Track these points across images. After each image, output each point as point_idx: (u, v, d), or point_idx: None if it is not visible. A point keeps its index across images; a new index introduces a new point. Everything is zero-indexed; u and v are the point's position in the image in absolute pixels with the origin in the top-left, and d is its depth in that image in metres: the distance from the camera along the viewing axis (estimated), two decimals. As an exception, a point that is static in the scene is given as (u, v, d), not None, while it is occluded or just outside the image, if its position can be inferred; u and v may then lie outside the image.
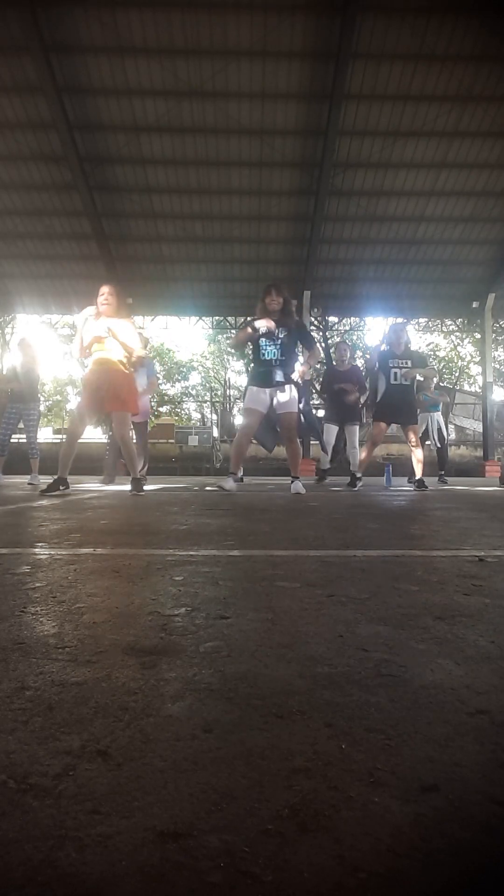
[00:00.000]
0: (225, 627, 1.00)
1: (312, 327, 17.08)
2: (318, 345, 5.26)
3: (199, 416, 28.63)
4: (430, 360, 25.86)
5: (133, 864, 0.42)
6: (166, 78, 10.35)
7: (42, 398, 9.62)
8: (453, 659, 0.86)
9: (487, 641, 0.94)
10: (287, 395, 4.84)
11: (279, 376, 4.81)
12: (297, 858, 0.43)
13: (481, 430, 16.44)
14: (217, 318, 15.84)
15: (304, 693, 0.73)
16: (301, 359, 5.19)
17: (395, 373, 5.81)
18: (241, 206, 12.64)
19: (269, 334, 4.78)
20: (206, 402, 25.38)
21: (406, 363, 5.82)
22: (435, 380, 9.75)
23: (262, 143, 11.35)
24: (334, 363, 7.24)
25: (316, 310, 15.60)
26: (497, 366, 23.61)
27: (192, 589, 1.30)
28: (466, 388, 27.40)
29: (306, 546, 1.98)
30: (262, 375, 4.87)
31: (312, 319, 16.18)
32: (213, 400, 21.30)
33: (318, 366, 7.12)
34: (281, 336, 4.82)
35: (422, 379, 7.93)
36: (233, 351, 22.55)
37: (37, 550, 1.86)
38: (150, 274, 14.25)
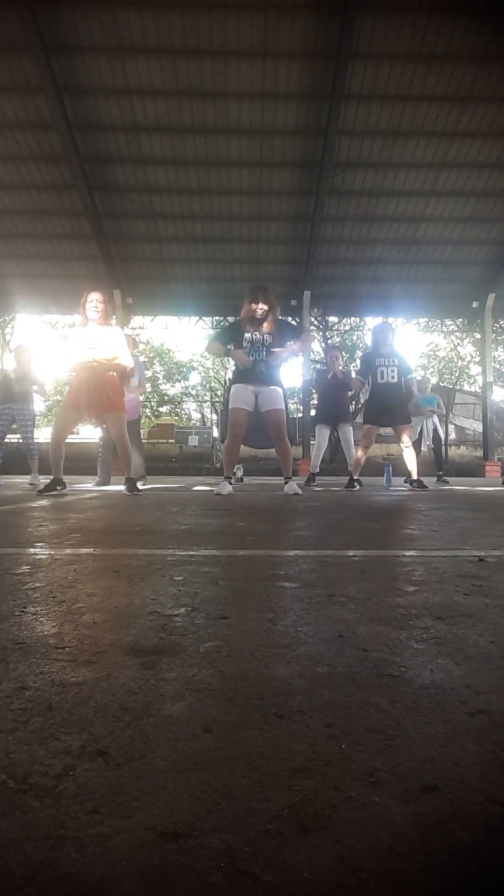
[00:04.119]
0: (225, 627, 1.00)
1: (312, 327, 17.07)
2: (306, 333, 5.03)
3: (199, 416, 28.61)
4: (431, 359, 25.86)
5: (133, 864, 0.42)
6: (166, 78, 10.35)
7: (42, 398, 9.69)
8: (453, 659, 0.86)
9: (487, 641, 0.94)
10: (271, 394, 4.71)
11: (264, 374, 4.68)
12: (297, 858, 0.43)
13: (481, 430, 16.44)
14: (217, 318, 15.85)
15: (304, 693, 0.73)
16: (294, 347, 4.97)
17: (382, 371, 5.76)
18: (241, 206, 12.64)
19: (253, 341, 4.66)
20: (206, 402, 25.37)
21: (392, 361, 5.79)
22: (433, 381, 9.76)
23: (262, 143, 11.35)
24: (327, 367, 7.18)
25: (316, 310, 15.60)
26: (497, 366, 23.60)
27: (192, 589, 1.30)
28: (466, 388, 27.38)
29: (306, 546, 1.98)
30: (246, 373, 4.70)
31: (312, 319, 16.18)
32: (213, 400, 21.28)
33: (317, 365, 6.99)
34: (266, 343, 4.67)
35: (418, 393, 7.94)
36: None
37: (37, 550, 1.86)
38: (150, 274, 14.25)
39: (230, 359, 5.01)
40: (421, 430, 7.97)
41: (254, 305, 4.67)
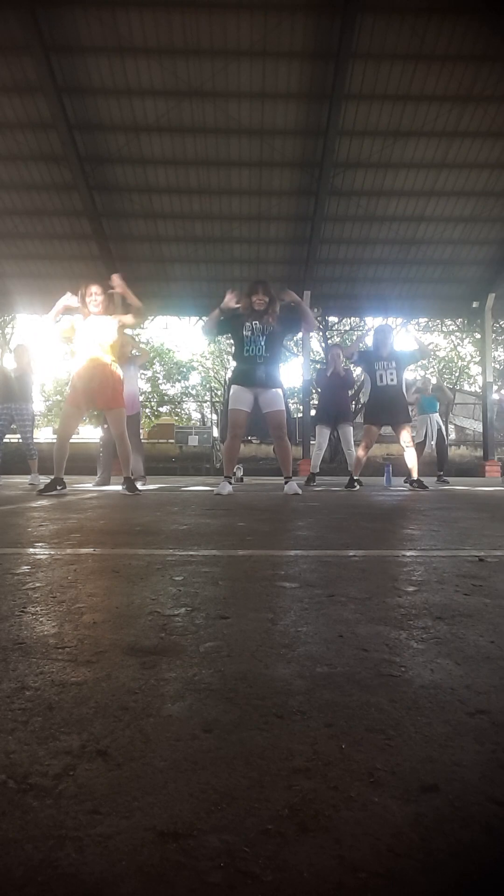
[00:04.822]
0: (225, 627, 1.00)
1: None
2: (309, 317, 5.12)
3: (199, 416, 28.62)
4: (431, 359, 25.81)
5: (133, 864, 0.42)
6: (166, 78, 10.35)
7: (42, 398, 9.70)
8: (453, 659, 0.86)
9: (487, 641, 0.94)
10: (272, 396, 4.72)
11: (263, 375, 4.68)
12: (297, 858, 0.43)
13: (481, 430, 16.44)
14: (217, 318, 15.84)
15: (304, 693, 0.73)
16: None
17: (381, 374, 5.80)
18: (241, 206, 12.63)
19: (252, 331, 4.67)
20: (206, 402, 25.41)
21: (391, 364, 5.81)
22: (433, 381, 9.76)
23: (262, 143, 11.34)
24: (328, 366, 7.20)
25: (316, 310, 15.59)
26: (497, 366, 23.59)
27: (192, 589, 1.30)
28: (466, 388, 27.38)
29: (306, 546, 1.98)
30: (246, 374, 4.71)
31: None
32: (213, 400, 21.31)
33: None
34: (266, 332, 4.68)
35: (418, 390, 7.96)
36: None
37: (37, 550, 1.86)
38: (150, 274, 14.23)
39: (210, 335, 5.06)
40: (426, 429, 7.98)
41: (254, 297, 4.70)
